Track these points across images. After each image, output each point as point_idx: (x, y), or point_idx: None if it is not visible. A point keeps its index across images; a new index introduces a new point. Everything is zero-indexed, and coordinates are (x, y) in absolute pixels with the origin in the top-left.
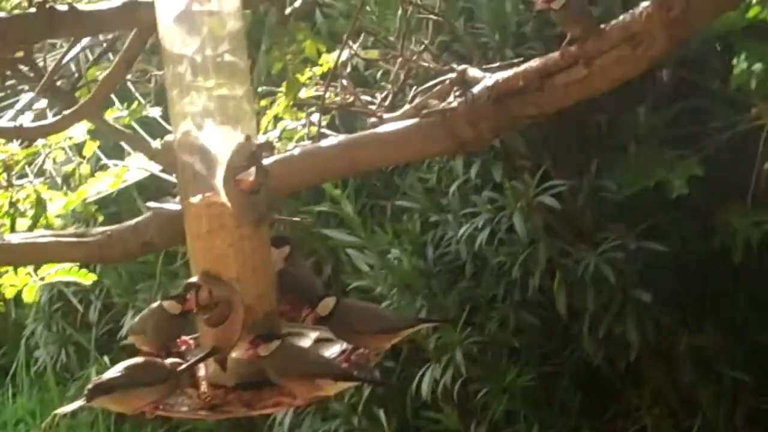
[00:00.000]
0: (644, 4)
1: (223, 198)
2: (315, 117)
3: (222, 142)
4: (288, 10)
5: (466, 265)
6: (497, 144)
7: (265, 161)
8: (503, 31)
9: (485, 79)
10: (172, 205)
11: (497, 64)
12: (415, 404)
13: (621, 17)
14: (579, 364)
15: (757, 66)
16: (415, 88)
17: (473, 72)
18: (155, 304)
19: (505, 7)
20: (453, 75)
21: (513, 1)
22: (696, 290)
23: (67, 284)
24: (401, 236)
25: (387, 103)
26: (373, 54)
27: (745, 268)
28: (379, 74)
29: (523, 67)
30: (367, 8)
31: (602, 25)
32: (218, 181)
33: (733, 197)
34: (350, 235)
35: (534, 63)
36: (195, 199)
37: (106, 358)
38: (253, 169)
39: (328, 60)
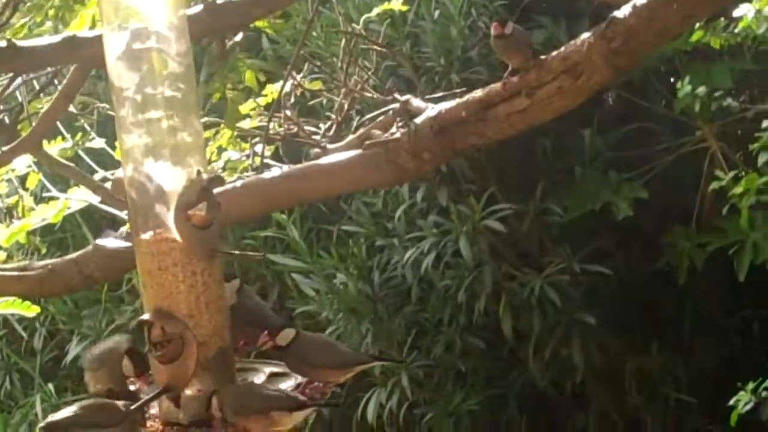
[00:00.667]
0: (586, 34)
1: (175, 234)
2: (259, 148)
3: (173, 177)
4: (230, 44)
5: (412, 289)
6: (443, 168)
7: None
8: (449, 56)
9: (428, 109)
10: (114, 242)
11: (440, 94)
12: (361, 429)
13: (563, 48)
14: (525, 387)
15: (701, 89)
16: (359, 118)
17: (416, 102)
18: (107, 342)
19: (451, 32)
20: (396, 105)
21: (458, 27)
22: (641, 313)
23: None
24: (347, 261)
25: (331, 133)
26: (317, 84)
27: (691, 289)
28: (325, 101)
29: (465, 97)
30: (314, 33)
31: (543, 56)
32: (169, 217)
33: (678, 219)
34: (296, 260)
35: (476, 93)
36: (146, 236)
37: (50, 386)
38: (204, 204)
39: (272, 90)
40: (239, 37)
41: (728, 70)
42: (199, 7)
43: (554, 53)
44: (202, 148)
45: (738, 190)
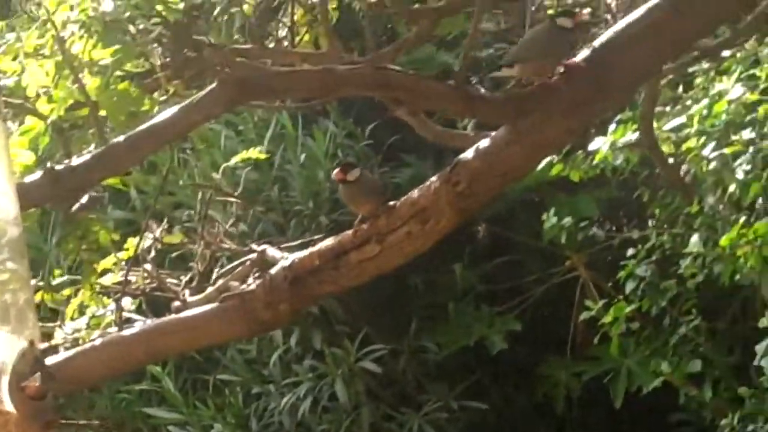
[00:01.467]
0: (433, 178)
1: (8, 406)
2: (122, 302)
3: (5, 349)
4: (75, 207)
5: None
6: (316, 311)
7: (69, 353)
8: (317, 199)
9: (283, 259)
10: None
11: (297, 242)
12: None
13: (410, 193)
14: None
15: (567, 220)
16: (218, 269)
17: (272, 252)
18: None
19: (318, 175)
20: (253, 256)
21: (325, 169)
22: None
23: None
24: (224, 410)
25: (194, 284)
26: (178, 237)
27: (569, 419)
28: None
29: (318, 246)
30: (180, 182)
31: (392, 202)
32: (3, 389)
33: (553, 349)
34: (172, 412)
35: (329, 242)
36: None
37: None
38: (38, 375)
39: (133, 244)
40: (85, 199)
41: (593, 200)
42: (38, 174)
43: (403, 198)
44: (34, 320)
45: (608, 318)
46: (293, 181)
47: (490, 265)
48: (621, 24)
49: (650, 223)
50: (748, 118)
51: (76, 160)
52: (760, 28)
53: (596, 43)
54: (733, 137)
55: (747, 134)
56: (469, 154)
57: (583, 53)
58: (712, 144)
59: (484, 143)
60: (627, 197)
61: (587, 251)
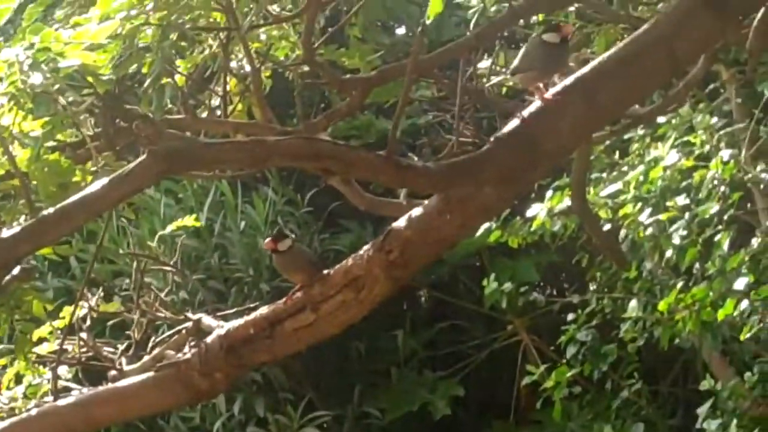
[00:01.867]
0: (366, 247)
1: None
2: (58, 371)
3: None
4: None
5: None
6: (258, 378)
7: (5, 423)
8: (257, 266)
9: (218, 328)
10: None
11: (233, 310)
12: None
13: (343, 262)
14: None
15: (507, 285)
16: (154, 338)
17: (208, 321)
18: None
19: (258, 242)
20: (189, 324)
21: (265, 236)
22: None
23: None
24: None
25: (130, 353)
26: (113, 306)
27: None
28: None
29: (253, 315)
30: (120, 250)
31: (325, 271)
32: None
33: (496, 414)
34: None
35: (263, 310)
36: None
37: None
38: None
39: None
40: (17, 270)
41: (534, 264)
42: None
43: (336, 267)
44: None
45: (550, 383)
46: (233, 248)
47: (433, 330)
48: (550, 93)
49: (591, 287)
50: (684, 183)
51: (5, 232)
52: (693, 94)
53: (525, 113)
54: (669, 203)
55: (682, 200)
56: (401, 222)
57: (512, 124)
58: (649, 210)
59: (416, 212)
60: (567, 261)
61: (529, 316)
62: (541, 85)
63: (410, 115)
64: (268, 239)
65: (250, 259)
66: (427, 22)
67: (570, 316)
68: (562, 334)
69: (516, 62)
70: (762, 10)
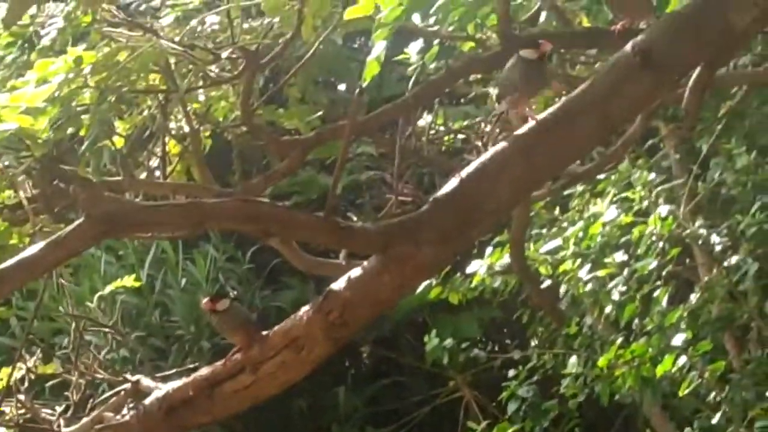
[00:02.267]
0: (305, 308)
1: None
2: None
3: None
4: None
5: None
6: None
7: None
8: (198, 323)
9: (156, 390)
10: None
11: (173, 371)
12: None
13: (284, 322)
14: None
15: (449, 341)
16: (93, 399)
17: (146, 382)
18: None
19: (199, 300)
20: (128, 386)
21: (206, 293)
22: None
23: None
24: None
25: (69, 414)
26: (51, 367)
27: None
28: None
29: (192, 376)
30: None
31: (265, 332)
32: None
33: None
34: None
35: (202, 372)
36: None
37: None
38: None
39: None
40: None
41: (476, 319)
42: None
43: (276, 328)
44: None
45: None
46: (174, 305)
47: (375, 386)
48: (487, 154)
49: (532, 342)
50: (623, 239)
51: None
52: (632, 149)
53: (463, 173)
54: (607, 259)
55: (620, 256)
56: (341, 283)
57: (451, 183)
58: (588, 266)
59: (355, 272)
60: (509, 317)
61: (471, 372)
62: (527, 109)
63: (351, 171)
64: (205, 299)
65: (191, 317)
66: (364, 85)
67: (511, 372)
68: (504, 390)
69: (498, 88)
70: (698, 69)
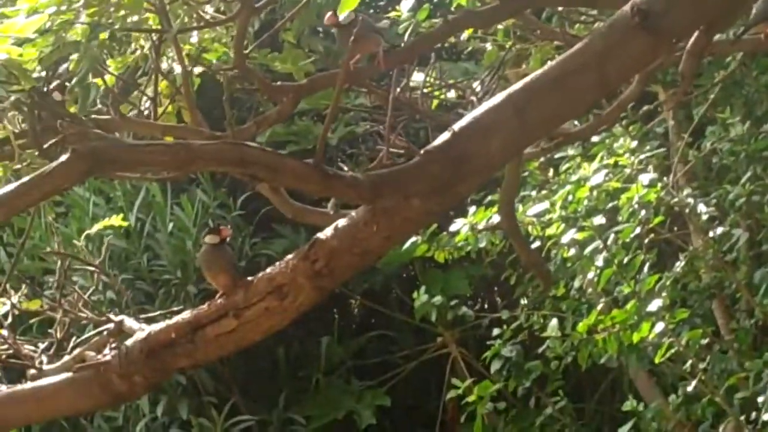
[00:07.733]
0: (290, 255)
1: None
2: None
3: None
4: None
5: None
6: (183, 380)
7: None
8: (185, 268)
9: (139, 331)
10: None
11: (157, 313)
12: None
13: (268, 269)
14: None
15: (437, 298)
16: (76, 338)
17: (130, 323)
18: None
19: (186, 245)
20: (111, 326)
21: (194, 239)
22: None
23: None
24: None
25: (51, 352)
26: (36, 303)
27: None
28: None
29: (175, 319)
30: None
31: (250, 278)
32: None
33: (422, 425)
34: None
35: (185, 315)
36: None
37: None
38: None
39: None
40: None
41: (467, 276)
42: None
43: (260, 274)
44: None
45: (473, 397)
46: (162, 250)
47: (362, 339)
48: (481, 108)
49: (522, 302)
50: (610, 205)
51: None
52: (626, 115)
53: (456, 126)
54: (585, 224)
55: (599, 220)
56: (327, 232)
57: (443, 136)
58: (574, 230)
59: (342, 222)
60: (500, 275)
61: (458, 329)
62: None
63: (348, 123)
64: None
65: (178, 261)
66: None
67: (496, 331)
68: (490, 349)
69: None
70: (695, 33)
